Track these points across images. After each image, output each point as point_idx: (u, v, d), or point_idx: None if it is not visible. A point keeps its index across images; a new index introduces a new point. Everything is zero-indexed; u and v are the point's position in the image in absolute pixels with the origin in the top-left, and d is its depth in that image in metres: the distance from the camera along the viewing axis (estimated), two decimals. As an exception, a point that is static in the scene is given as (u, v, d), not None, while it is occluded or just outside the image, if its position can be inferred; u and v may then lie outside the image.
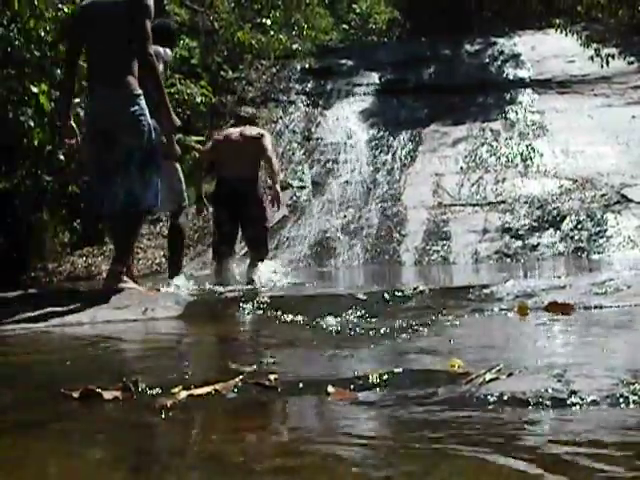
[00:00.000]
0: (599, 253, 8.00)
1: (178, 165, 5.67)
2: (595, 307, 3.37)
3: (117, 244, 4.67)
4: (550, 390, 1.80)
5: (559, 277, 4.72)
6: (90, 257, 9.20)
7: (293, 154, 11.17)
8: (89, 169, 4.70)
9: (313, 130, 11.77)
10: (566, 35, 13.23)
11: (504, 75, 12.77)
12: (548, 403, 1.73)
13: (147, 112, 4.42)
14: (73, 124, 4.61)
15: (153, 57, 4.42)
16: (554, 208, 8.93)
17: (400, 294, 4.27)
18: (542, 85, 12.12)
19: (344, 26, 18.95)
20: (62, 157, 8.25)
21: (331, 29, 17.16)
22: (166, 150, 4.89)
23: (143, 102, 4.41)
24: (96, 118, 4.44)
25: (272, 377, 2.08)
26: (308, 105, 12.48)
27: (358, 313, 3.51)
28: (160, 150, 4.63)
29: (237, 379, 2.06)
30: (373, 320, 3.36)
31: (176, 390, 1.97)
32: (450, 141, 10.91)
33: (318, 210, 9.72)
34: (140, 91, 4.41)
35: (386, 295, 4.19)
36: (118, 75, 4.37)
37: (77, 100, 8.18)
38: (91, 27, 4.49)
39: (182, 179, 5.72)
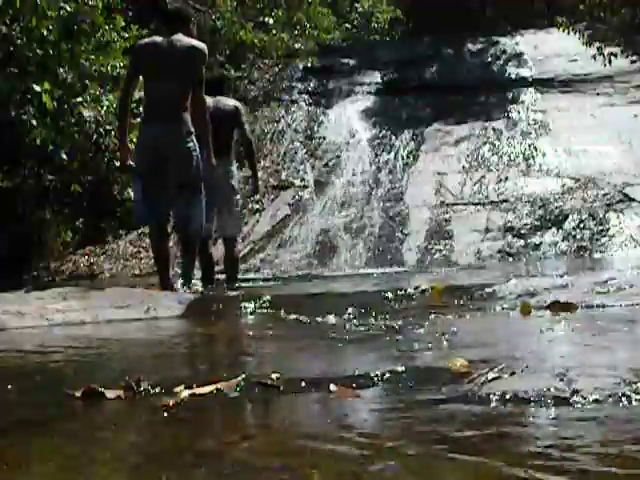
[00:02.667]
0: (601, 252, 7.99)
1: (239, 196, 6.34)
2: (597, 306, 3.36)
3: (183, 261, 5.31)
4: (552, 389, 1.80)
5: (561, 276, 4.72)
6: (92, 256, 9.20)
7: (295, 153, 11.17)
8: (138, 187, 5.15)
9: (315, 129, 11.76)
10: (568, 34, 13.20)
11: (506, 74, 12.76)
12: (550, 402, 1.73)
13: (198, 148, 5.03)
14: (130, 146, 5.21)
15: (205, 102, 5.10)
16: (556, 207, 8.92)
17: (402, 293, 4.27)
18: (544, 84, 12.10)
19: (346, 25, 18.92)
20: (64, 156, 8.25)
21: (333, 28, 17.11)
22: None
23: (195, 139, 5.02)
24: (153, 147, 4.96)
25: (274, 376, 2.08)
26: (310, 104, 12.47)
27: (360, 312, 3.51)
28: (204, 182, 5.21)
29: (239, 378, 2.06)
30: (375, 319, 3.36)
31: (178, 389, 1.98)
32: (452, 140, 10.91)
33: (320, 209, 9.72)
34: (193, 129, 5.01)
35: (388, 294, 4.19)
36: (177, 111, 4.93)
37: (79, 99, 8.22)
38: (154, 65, 5.02)
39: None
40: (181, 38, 5.04)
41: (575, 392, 1.77)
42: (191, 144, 4.97)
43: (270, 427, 1.71)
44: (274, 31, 13.67)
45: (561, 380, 1.87)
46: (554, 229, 8.59)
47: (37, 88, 7.59)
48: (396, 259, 8.46)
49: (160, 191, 4.96)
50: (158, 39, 5.10)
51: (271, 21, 13.76)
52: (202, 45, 5.10)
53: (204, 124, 5.06)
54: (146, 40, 5.26)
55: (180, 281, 5.18)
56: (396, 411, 1.79)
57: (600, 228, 8.41)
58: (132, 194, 7.74)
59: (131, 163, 5.14)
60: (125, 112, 5.24)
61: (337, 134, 11.49)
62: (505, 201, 9.29)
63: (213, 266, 6.14)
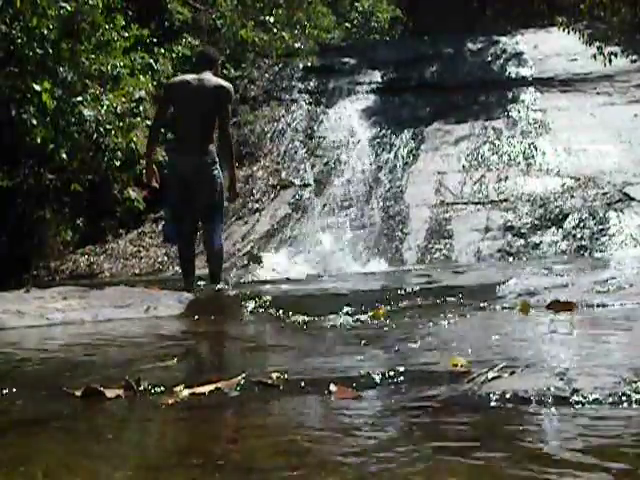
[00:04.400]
0: (601, 251, 7.97)
1: None
2: (597, 305, 3.36)
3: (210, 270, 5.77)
4: (552, 388, 1.80)
5: (561, 275, 4.72)
6: (92, 255, 9.20)
7: (295, 152, 11.16)
8: (169, 211, 5.84)
9: (315, 128, 11.75)
10: (568, 33, 13.19)
11: (506, 73, 12.75)
12: (550, 401, 1.73)
13: (222, 175, 5.60)
14: (155, 169, 5.69)
15: (231, 136, 5.77)
16: (556, 206, 8.91)
17: (402, 292, 4.27)
18: (544, 83, 12.09)
19: (346, 24, 18.90)
20: (64, 156, 8.25)
21: (333, 27, 17.09)
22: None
23: (219, 167, 5.59)
24: (183, 176, 5.48)
25: (274, 375, 2.08)
26: (310, 103, 12.46)
27: (360, 311, 3.51)
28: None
29: (239, 377, 2.06)
30: (375, 318, 3.36)
31: (178, 388, 1.98)
32: (452, 139, 10.90)
33: (320, 209, 9.72)
34: (217, 159, 5.58)
35: (389, 293, 4.19)
36: (204, 143, 5.49)
37: (79, 98, 8.22)
38: (184, 100, 5.53)
39: None
40: (210, 77, 5.59)
41: (575, 391, 1.77)
42: (216, 172, 5.52)
43: (270, 427, 1.71)
44: (274, 30, 13.65)
45: (561, 379, 1.87)
46: (554, 228, 8.58)
47: (37, 87, 7.58)
48: (396, 258, 8.46)
49: (187, 214, 5.53)
50: (189, 77, 5.67)
51: (272, 19, 13.73)
52: (228, 85, 5.70)
53: (230, 156, 5.70)
54: (178, 78, 5.92)
55: (212, 285, 5.63)
56: (396, 411, 1.79)
57: (600, 227, 8.40)
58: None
59: (155, 185, 5.68)
60: (154, 140, 5.83)
61: (337, 133, 11.48)
62: (505, 200, 9.29)
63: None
